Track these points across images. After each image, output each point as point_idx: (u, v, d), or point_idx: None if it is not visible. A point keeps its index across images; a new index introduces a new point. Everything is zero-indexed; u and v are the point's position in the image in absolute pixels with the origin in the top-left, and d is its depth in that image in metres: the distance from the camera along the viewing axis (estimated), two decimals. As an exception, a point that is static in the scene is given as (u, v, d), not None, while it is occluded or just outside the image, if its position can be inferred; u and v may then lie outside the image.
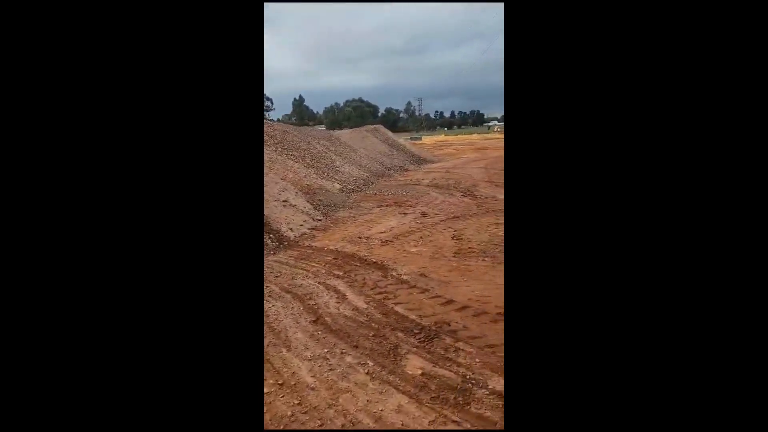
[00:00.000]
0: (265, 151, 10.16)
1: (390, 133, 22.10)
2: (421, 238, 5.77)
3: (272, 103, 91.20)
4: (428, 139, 43.61)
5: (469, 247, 5.19)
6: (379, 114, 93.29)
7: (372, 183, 12.71)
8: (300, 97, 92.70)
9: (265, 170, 8.60)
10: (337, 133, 18.62)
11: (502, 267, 4.42)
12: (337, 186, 10.31)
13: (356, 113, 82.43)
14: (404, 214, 7.61)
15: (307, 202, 7.95)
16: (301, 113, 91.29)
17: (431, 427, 2.05)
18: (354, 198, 9.59)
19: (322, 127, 43.58)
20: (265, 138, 11.38)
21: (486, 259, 4.73)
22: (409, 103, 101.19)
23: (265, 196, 7.20)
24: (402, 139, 22.52)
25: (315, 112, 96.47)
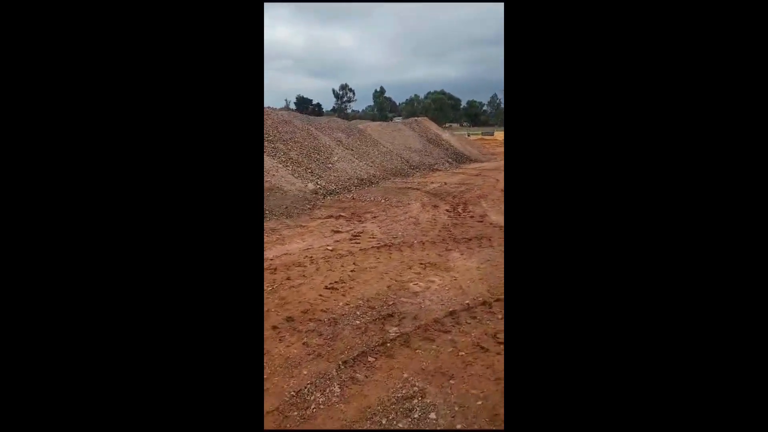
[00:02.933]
0: (234, 142, 8.99)
1: (434, 127, 19.71)
2: (288, 278, 3.94)
3: (354, 94, 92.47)
4: (502, 135, 39.68)
5: (324, 310, 3.25)
6: (461, 106, 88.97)
7: (373, 184, 10.90)
8: (381, 88, 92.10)
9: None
10: (365, 124, 16.99)
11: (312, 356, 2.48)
12: (311, 186, 8.75)
13: (435, 105, 79.30)
14: (337, 231, 5.76)
15: (232, 206, 6.54)
16: (382, 105, 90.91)
17: None
18: (318, 203, 7.95)
19: (400, 119, 42.06)
20: (252, 128, 10.26)
21: (306, 341, 2.78)
22: (494, 96, 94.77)
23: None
24: (447, 134, 19.94)
25: (397, 103, 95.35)
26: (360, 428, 1.98)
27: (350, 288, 3.68)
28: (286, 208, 7.04)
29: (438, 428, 1.97)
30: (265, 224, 6.24)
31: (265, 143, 9.84)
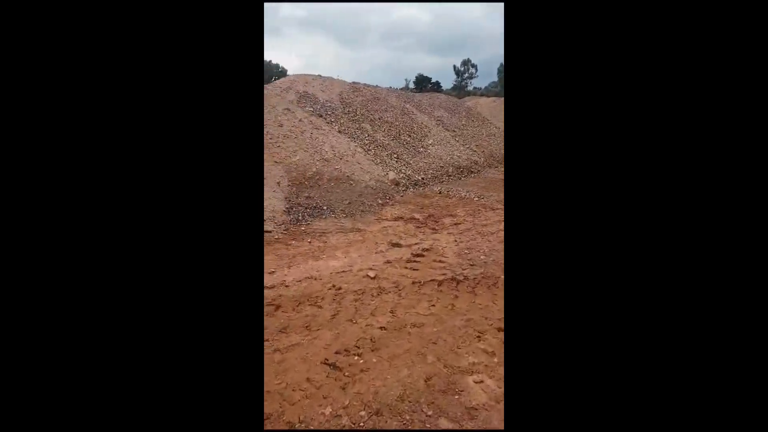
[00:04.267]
0: (313, 121, 8.03)
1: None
2: (284, 330, 2.60)
3: (476, 69, 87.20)
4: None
5: (295, 423, 1.82)
6: (602, 81, 76.16)
7: (473, 173, 8.99)
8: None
9: (266, 150, 6.51)
10: (475, 101, 14.67)
11: None
12: (392, 176, 7.31)
13: (569, 80, 69.20)
14: (396, 245, 4.24)
15: (285, 199, 5.48)
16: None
17: None
18: (394, 197, 6.49)
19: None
20: (337, 106, 9.23)
21: None
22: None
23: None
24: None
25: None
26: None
27: (364, 370, 2.18)
28: (350, 203, 5.76)
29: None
30: (317, 224, 5.06)
31: (350, 123, 8.71)
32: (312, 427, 1.81)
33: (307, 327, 2.63)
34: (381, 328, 2.60)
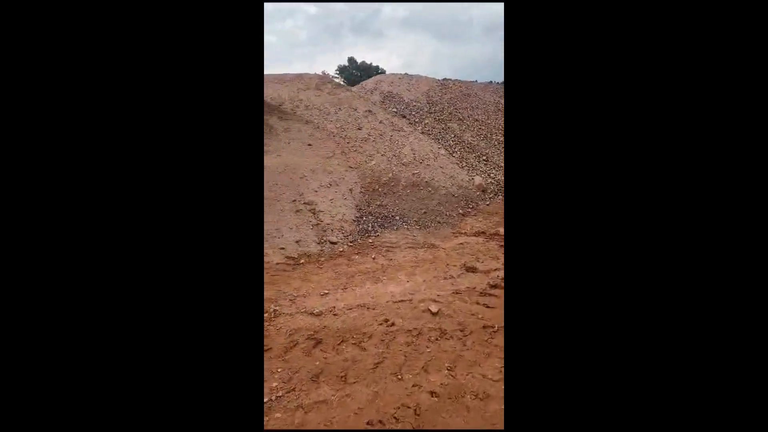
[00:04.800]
0: (395, 122, 7.61)
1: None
2: (315, 378, 2.17)
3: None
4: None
5: None
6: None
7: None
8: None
9: (338, 152, 6.25)
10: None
11: None
12: (478, 181, 6.52)
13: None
14: (471, 269, 3.56)
15: (355, 208, 5.13)
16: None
17: None
18: (478, 205, 5.72)
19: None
20: (423, 105, 8.69)
21: None
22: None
23: (287, 193, 5.05)
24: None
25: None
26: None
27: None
28: (425, 213, 5.20)
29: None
30: (386, 236, 4.62)
31: (435, 123, 8.12)
32: None
33: (342, 377, 2.18)
34: (431, 392, 2.03)
